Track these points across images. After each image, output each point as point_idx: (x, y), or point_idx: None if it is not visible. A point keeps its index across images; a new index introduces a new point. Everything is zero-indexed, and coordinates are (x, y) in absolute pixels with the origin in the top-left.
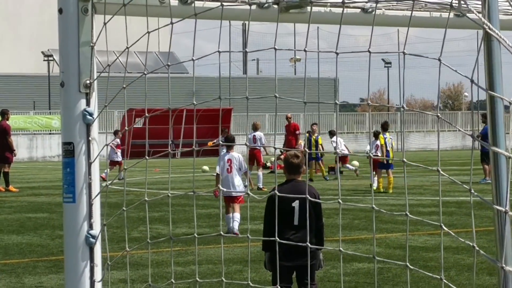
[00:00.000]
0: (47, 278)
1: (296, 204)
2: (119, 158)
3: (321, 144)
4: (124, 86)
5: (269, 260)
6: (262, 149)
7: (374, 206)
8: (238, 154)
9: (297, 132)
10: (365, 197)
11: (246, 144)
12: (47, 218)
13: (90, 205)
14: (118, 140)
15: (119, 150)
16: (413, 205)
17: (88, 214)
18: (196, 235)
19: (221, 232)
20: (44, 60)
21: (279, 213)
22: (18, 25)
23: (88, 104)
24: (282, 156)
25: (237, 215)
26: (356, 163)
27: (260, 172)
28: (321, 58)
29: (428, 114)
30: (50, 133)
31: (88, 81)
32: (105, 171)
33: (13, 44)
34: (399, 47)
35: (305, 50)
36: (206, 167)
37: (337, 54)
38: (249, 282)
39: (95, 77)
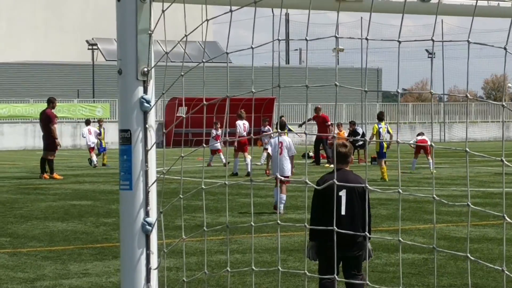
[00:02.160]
0: (92, 265)
1: (343, 193)
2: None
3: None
4: (182, 73)
5: (316, 249)
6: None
7: (435, 196)
8: (289, 138)
9: (328, 123)
10: (408, 187)
11: (305, 133)
12: (91, 205)
13: (146, 193)
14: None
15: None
16: (457, 196)
17: (144, 202)
18: (253, 224)
19: (278, 221)
20: (88, 49)
21: (326, 202)
22: (63, 14)
23: (145, 91)
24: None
25: (283, 196)
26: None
27: (248, 159)
28: (364, 48)
29: (470, 103)
30: (93, 122)
31: (145, 69)
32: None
33: (57, 32)
34: (443, 37)
35: (366, 39)
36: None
37: (400, 42)
38: (306, 271)
39: (152, 65)
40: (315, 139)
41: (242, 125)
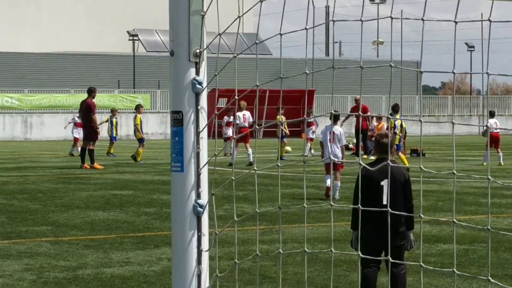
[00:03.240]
0: (134, 254)
1: (384, 183)
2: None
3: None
4: (235, 54)
5: (358, 239)
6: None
7: (489, 177)
8: (340, 128)
9: (368, 113)
10: (448, 179)
11: (357, 113)
12: (132, 195)
13: (198, 175)
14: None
15: None
16: (496, 188)
17: (196, 183)
18: (306, 205)
19: (331, 203)
20: (129, 40)
21: (367, 191)
22: (104, 4)
23: (197, 73)
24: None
25: (337, 183)
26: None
27: (250, 150)
28: (404, 42)
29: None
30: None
31: (198, 50)
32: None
33: (99, 23)
34: (482, 31)
35: (422, 20)
36: (289, 148)
37: (456, 21)
38: (359, 252)
39: (205, 46)
40: (355, 130)
41: (242, 116)
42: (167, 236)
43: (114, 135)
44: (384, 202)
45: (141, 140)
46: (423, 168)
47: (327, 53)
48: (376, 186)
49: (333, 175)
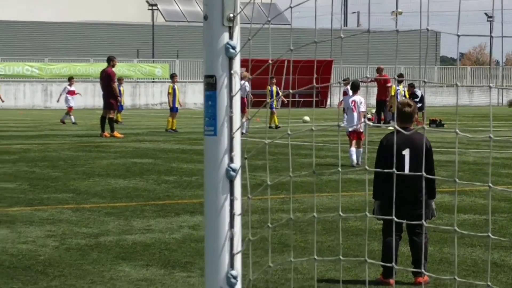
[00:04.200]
0: (155, 221)
1: (406, 152)
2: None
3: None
4: (269, 19)
5: (380, 208)
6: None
7: None
8: (361, 97)
9: (388, 84)
10: (467, 150)
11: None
12: (152, 163)
13: (231, 139)
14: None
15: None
16: None
17: (229, 148)
18: (340, 169)
19: (366, 167)
20: (148, 9)
21: (389, 161)
22: None
23: (231, 37)
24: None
25: (360, 150)
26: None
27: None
28: (423, 12)
29: None
30: (153, 81)
31: (231, 15)
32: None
33: None
34: (502, 2)
35: None
36: (307, 118)
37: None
38: (394, 217)
39: (238, 11)
40: (376, 100)
41: (244, 86)
42: (188, 204)
43: (122, 104)
44: (406, 171)
45: (171, 109)
46: (458, 132)
47: (345, 23)
48: (398, 155)
49: (355, 145)
